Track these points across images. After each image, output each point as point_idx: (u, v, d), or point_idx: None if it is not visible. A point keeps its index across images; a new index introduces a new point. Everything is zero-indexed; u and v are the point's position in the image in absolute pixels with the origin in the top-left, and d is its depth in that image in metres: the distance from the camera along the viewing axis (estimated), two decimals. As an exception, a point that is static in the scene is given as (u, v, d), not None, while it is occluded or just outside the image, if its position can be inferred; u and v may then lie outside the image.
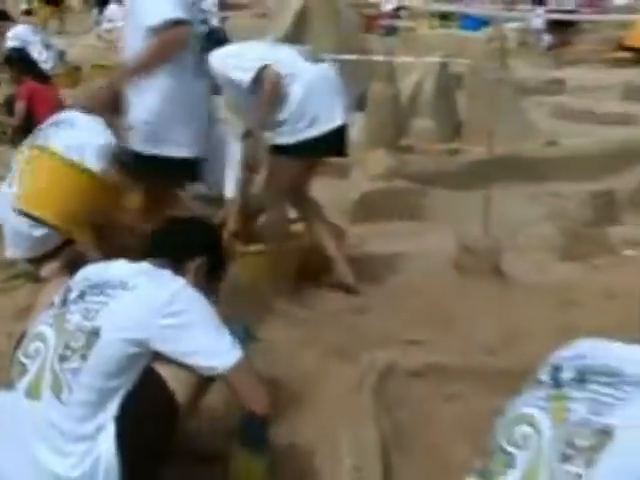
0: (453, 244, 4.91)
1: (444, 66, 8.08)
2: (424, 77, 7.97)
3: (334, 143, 4.31)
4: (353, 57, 8.31)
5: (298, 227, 4.64)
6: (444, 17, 17.27)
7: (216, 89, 4.26)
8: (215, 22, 10.09)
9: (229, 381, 2.46)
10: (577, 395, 1.92)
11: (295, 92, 4.15)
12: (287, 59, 4.25)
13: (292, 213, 4.65)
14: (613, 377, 1.91)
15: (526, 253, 5.16)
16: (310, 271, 4.51)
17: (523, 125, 7.77)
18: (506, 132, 6.77)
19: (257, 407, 2.49)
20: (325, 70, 4.32)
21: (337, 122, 4.20)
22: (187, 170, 3.90)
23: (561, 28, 15.36)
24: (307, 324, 4.04)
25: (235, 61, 4.24)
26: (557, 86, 11.63)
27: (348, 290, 4.42)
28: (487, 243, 4.92)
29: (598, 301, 4.26)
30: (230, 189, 4.70)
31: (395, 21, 17.34)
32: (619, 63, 14.19)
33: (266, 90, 4.14)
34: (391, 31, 16.13)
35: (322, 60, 4.47)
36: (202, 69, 3.89)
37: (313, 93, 4.17)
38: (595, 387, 1.91)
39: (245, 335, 3.76)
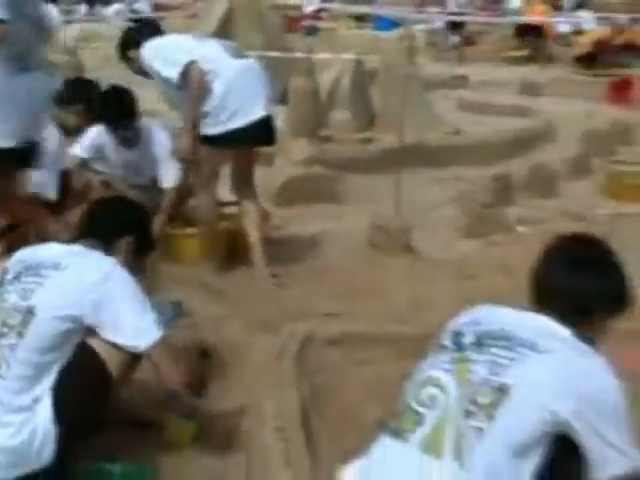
0: (367, 224, 4.92)
1: (359, 63, 8.06)
2: (341, 73, 7.94)
3: (259, 134, 4.25)
4: (276, 54, 8.24)
5: (232, 209, 4.60)
6: (360, 18, 17.26)
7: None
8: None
9: (150, 359, 2.44)
10: (477, 357, 1.95)
11: (217, 87, 4.07)
12: (212, 54, 4.16)
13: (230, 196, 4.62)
14: (508, 340, 1.95)
15: (433, 231, 5.19)
16: (239, 250, 4.46)
17: (430, 116, 7.81)
18: (415, 122, 6.77)
19: (172, 385, 2.48)
20: (247, 66, 4.24)
21: (257, 115, 4.13)
22: (15, 158, 3.90)
23: (455, 29, 15.55)
24: (233, 300, 4.02)
25: (165, 53, 4.15)
26: (461, 81, 11.70)
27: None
28: (398, 223, 4.94)
29: (495, 273, 4.33)
30: (169, 178, 4.67)
31: (316, 22, 17.25)
32: (515, 61, 14.41)
33: (191, 87, 4.07)
34: (312, 31, 16.03)
35: (246, 56, 4.38)
36: (29, 63, 3.85)
37: (234, 88, 4.10)
38: (493, 350, 1.94)
39: (176, 311, 3.73)
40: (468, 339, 2.01)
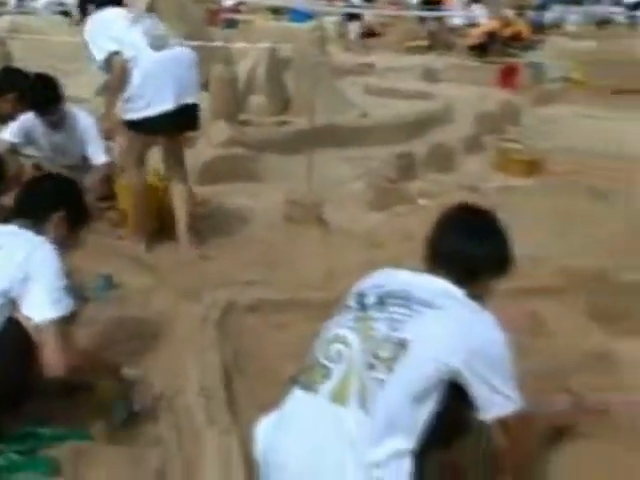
0: (282, 200, 4.90)
1: (274, 52, 7.99)
2: (258, 61, 7.85)
3: (177, 121, 4.12)
4: (197, 44, 8.08)
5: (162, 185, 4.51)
6: (276, 11, 17.10)
7: None
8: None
9: (38, 335, 2.31)
10: (379, 316, 1.97)
11: (135, 76, 3.98)
12: (136, 42, 4.03)
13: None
14: (406, 300, 1.98)
15: (343, 205, 5.20)
16: (167, 227, 4.38)
17: (340, 100, 7.80)
18: (326, 106, 6.78)
19: (48, 370, 2.31)
20: (168, 56, 4.08)
21: (171, 105, 4.00)
22: None
23: (351, 21, 15.57)
24: (160, 272, 3.95)
25: (96, 34, 4.07)
26: (367, 68, 11.74)
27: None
28: (311, 198, 4.94)
29: (399, 242, 4.36)
30: (99, 155, 4.55)
31: (235, 15, 16.99)
32: (417, 50, 14.52)
33: (112, 77, 4.04)
34: (231, 24, 15.79)
35: (171, 44, 4.18)
36: None
37: (150, 79, 3.98)
38: (392, 308, 1.97)
39: (105, 283, 3.65)
40: (371, 299, 2.03)
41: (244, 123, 6.98)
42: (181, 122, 4.21)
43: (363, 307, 2.03)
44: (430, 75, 11.05)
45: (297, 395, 2.00)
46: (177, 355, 3.00)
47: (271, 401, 2.25)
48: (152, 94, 3.99)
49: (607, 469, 2.26)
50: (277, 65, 7.89)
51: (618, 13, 15.65)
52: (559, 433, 2.39)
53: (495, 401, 1.92)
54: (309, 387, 1.97)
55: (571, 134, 7.56)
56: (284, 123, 7.09)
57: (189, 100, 4.12)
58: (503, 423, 1.96)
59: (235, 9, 17.33)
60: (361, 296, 2.07)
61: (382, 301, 2.01)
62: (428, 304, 1.95)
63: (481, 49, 13.38)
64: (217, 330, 3.02)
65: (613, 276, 3.54)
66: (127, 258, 4.11)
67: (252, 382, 2.78)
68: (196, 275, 3.85)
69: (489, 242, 2.15)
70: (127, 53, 3.98)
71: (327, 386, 1.93)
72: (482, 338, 1.94)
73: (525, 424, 2.00)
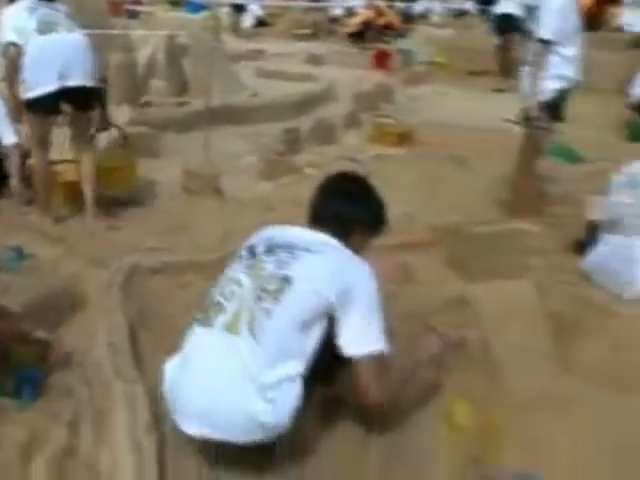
0: (182, 172, 4.80)
1: (172, 39, 7.77)
2: (157, 48, 7.63)
3: (69, 100, 3.96)
4: (99, 32, 7.73)
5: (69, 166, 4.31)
6: (174, 3, 16.64)
7: None
8: None
9: None
10: (267, 259, 2.01)
11: (25, 60, 3.85)
12: (27, 30, 3.88)
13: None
14: (291, 248, 2.02)
15: (237, 177, 5.14)
16: (75, 201, 4.21)
17: (233, 83, 7.68)
18: (221, 88, 6.68)
19: None
20: (52, 40, 3.89)
21: (54, 86, 3.83)
22: None
23: (239, 11, 15.29)
24: (69, 243, 3.79)
25: (3, 25, 3.95)
26: (258, 54, 11.58)
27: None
28: (208, 170, 4.87)
29: (289, 206, 4.37)
30: (8, 135, 4.28)
31: (137, 7, 16.34)
32: (302, 38, 14.44)
33: (7, 63, 3.93)
34: (134, 15, 15.18)
35: (60, 31, 3.96)
36: None
37: (37, 61, 3.84)
38: (279, 254, 2.01)
39: (16, 255, 3.48)
40: (260, 249, 2.06)
41: (146, 105, 6.79)
42: (75, 102, 4.01)
43: (254, 255, 2.06)
44: (314, 59, 11.02)
45: (196, 331, 2.02)
46: (86, 317, 2.92)
47: (174, 351, 2.22)
48: (37, 76, 3.85)
49: (466, 396, 2.34)
50: (175, 51, 7.68)
51: (472, 6, 16.10)
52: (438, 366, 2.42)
53: (360, 338, 1.95)
54: (206, 323, 1.99)
55: (434, 110, 7.74)
56: (183, 104, 6.93)
57: (77, 82, 3.91)
58: (364, 362, 1.94)
59: (137, 1, 16.65)
60: (252, 247, 2.10)
61: (270, 249, 2.04)
62: (309, 250, 2.00)
63: (358, 36, 13.45)
64: (123, 292, 2.93)
65: (468, 229, 3.67)
66: (36, 232, 3.92)
67: (156, 336, 2.71)
68: (103, 244, 3.72)
69: (364, 204, 2.19)
70: (21, 40, 3.87)
71: (221, 320, 1.95)
72: (354, 278, 1.97)
73: (385, 365, 1.98)
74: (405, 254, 3.48)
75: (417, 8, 17.25)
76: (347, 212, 2.14)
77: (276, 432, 1.88)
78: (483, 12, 13.21)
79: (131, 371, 2.35)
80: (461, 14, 16.38)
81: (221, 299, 1.99)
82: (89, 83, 3.97)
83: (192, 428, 1.94)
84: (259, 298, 1.92)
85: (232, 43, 11.15)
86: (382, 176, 3.79)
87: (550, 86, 4.08)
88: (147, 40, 7.81)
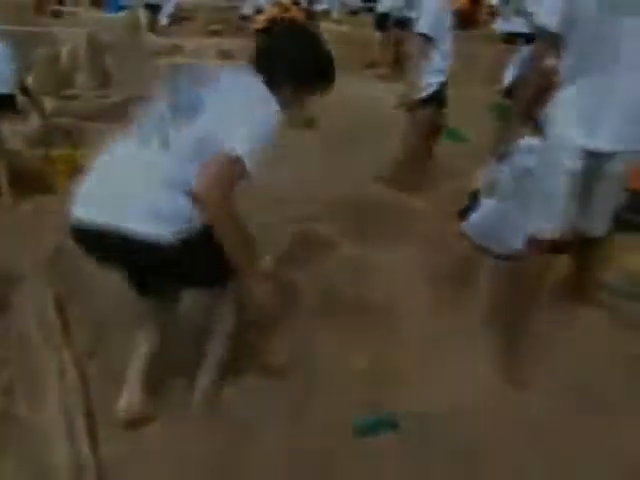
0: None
1: (94, 36, 7.49)
2: (79, 44, 7.35)
3: None
4: (24, 29, 7.34)
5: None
6: (95, 3, 15.92)
7: None
8: None
9: None
10: (186, 94, 1.87)
11: None
12: None
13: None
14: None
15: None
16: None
17: (152, 76, 7.49)
18: (139, 81, 6.51)
19: None
20: None
21: None
22: None
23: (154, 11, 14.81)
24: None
25: None
26: (176, 50, 11.28)
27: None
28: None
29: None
30: None
31: (61, 6, 15.52)
32: (215, 34, 14.16)
33: None
34: (58, 13, 14.41)
35: None
36: None
37: None
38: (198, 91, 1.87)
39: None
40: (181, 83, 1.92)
41: (71, 97, 6.55)
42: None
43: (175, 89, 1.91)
44: (224, 54, 10.86)
45: (103, 157, 1.86)
46: (19, 292, 2.81)
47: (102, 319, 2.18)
48: None
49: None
50: (97, 47, 7.42)
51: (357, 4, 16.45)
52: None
53: (235, 135, 1.77)
54: (121, 142, 1.85)
55: (332, 95, 7.74)
56: (104, 96, 6.70)
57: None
58: (222, 156, 1.76)
59: (60, 1, 15.83)
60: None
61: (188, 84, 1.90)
62: (226, 89, 1.86)
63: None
64: (48, 273, 2.85)
65: (358, 202, 3.74)
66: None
67: (82, 310, 2.67)
68: (32, 227, 3.58)
69: (307, 48, 2.02)
70: None
71: (136, 139, 1.82)
72: (258, 99, 1.85)
73: (236, 174, 1.77)
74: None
75: (320, 6, 17.24)
76: (299, 56, 1.97)
77: (173, 233, 1.77)
78: (370, 10, 13.42)
79: (59, 342, 2.32)
80: (354, 12, 16.55)
81: (139, 127, 1.85)
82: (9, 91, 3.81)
83: (88, 213, 1.79)
84: (172, 119, 1.81)
85: (151, 39, 10.79)
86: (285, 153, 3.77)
87: (432, 80, 4.20)
88: (69, 37, 7.51)
